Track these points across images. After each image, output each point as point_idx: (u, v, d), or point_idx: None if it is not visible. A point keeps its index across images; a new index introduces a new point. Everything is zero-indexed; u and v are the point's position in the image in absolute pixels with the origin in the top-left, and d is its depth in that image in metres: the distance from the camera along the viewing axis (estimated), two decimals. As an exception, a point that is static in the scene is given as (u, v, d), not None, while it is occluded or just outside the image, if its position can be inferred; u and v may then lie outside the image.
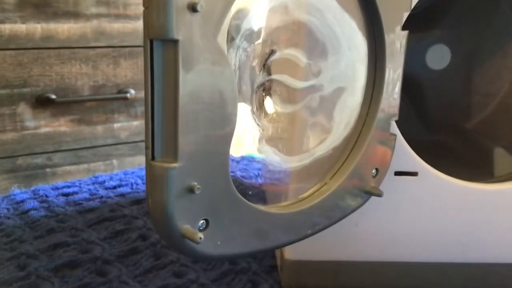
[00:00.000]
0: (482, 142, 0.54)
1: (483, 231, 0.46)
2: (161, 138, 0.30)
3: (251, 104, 0.40)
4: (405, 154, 0.44)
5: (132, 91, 1.12)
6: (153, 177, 0.30)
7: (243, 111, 0.40)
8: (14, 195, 0.66)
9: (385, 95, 0.40)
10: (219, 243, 0.33)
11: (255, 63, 0.39)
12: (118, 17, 1.10)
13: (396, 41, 0.39)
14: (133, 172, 0.75)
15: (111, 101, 1.13)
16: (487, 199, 0.45)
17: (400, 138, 0.43)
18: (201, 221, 0.32)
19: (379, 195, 0.40)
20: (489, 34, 0.56)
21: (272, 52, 0.39)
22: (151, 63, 0.29)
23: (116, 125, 1.15)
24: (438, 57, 0.57)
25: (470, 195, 0.45)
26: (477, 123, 0.57)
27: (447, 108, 0.59)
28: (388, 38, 0.39)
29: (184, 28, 0.28)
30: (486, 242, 0.46)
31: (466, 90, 0.58)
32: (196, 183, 0.30)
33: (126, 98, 1.12)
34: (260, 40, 0.38)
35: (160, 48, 0.29)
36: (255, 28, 0.38)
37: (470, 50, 0.57)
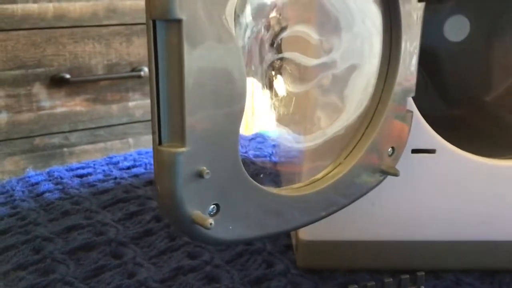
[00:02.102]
0: (503, 116, 0.53)
1: (505, 209, 0.45)
2: (167, 122, 0.29)
3: (262, 83, 0.38)
4: (422, 131, 0.42)
5: (146, 69, 1.12)
6: (161, 163, 0.29)
7: (255, 90, 0.39)
8: (29, 177, 0.66)
9: (401, 67, 0.39)
10: (230, 227, 0.32)
11: (264, 41, 0.37)
12: (128, -6, 1.08)
13: (413, 12, 0.38)
14: (147, 152, 0.75)
15: (125, 79, 1.12)
16: (508, 176, 0.44)
17: (417, 114, 0.42)
18: (212, 206, 0.31)
19: (395, 174, 0.39)
20: (509, 4, 0.54)
21: (282, 29, 0.37)
22: (155, 44, 0.28)
23: (131, 104, 1.15)
24: (457, 28, 0.55)
25: (490, 172, 0.44)
26: (497, 96, 0.55)
27: (466, 81, 0.57)
28: (404, 9, 0.37)
29: (188, 6, 0.27)
30: (507, 219, 0.45)
31: (485, 62, 0.56)
32: (205, 168, 0.30)
33: (140, 76, 1.12)
34: (269, 17, 0.37)
35: (164, 28, 0.27)
36: (264, 4, 0.37)
37: (490, 20, 0.55)
